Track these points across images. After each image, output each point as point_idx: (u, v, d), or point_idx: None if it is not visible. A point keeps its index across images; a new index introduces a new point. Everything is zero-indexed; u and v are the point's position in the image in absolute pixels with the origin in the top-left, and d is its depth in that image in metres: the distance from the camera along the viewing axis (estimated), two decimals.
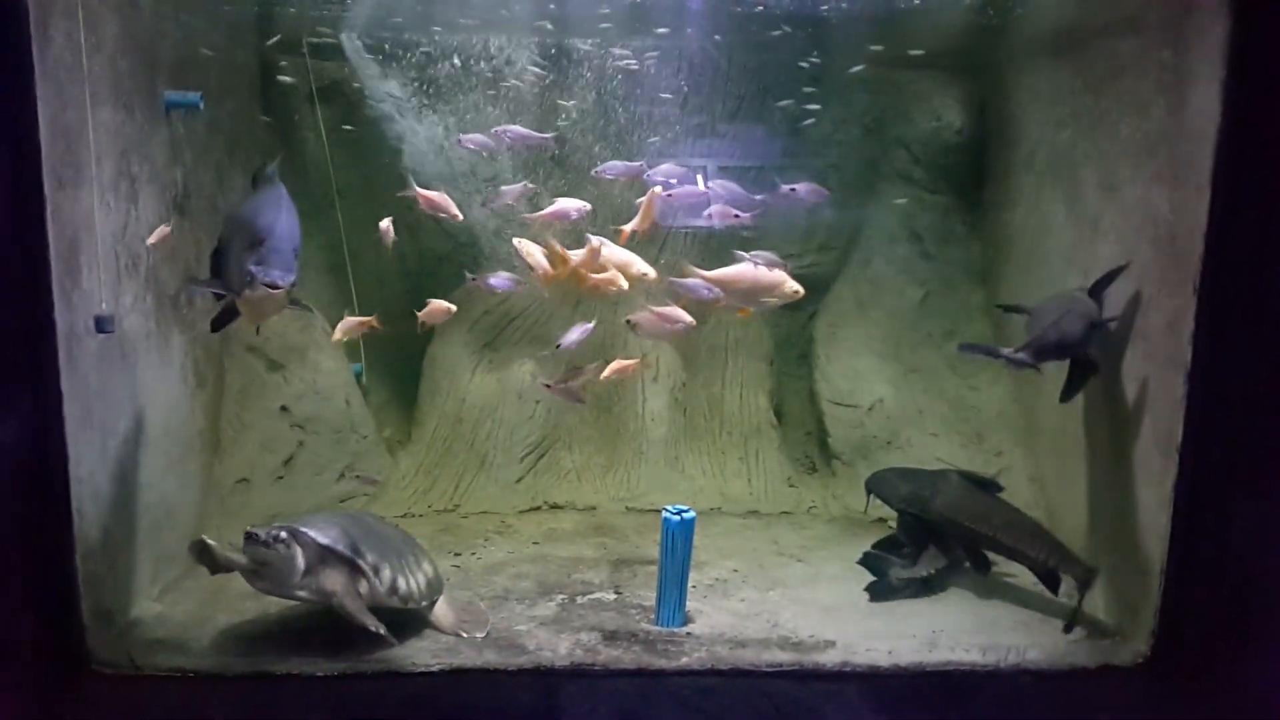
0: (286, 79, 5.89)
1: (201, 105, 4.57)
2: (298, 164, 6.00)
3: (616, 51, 5.99)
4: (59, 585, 3.75)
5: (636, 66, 6.00)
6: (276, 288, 3.50)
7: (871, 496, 5.10)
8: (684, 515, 4.26)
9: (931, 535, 4.86)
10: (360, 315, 4.87)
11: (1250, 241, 3.72)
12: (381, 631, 3.84)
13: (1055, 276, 5.17)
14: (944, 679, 4.00)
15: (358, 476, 5.59)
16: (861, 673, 4.00)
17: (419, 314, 4.94)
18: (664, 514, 4.28)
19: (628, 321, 4.59)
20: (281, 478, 5.53)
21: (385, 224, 4.79)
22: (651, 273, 4.57)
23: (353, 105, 6.05)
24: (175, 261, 4.59)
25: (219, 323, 4.14)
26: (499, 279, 4.84)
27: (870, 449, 6.23)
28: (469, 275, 4.99)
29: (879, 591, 4.76)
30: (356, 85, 6.01)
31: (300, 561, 3.77)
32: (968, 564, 4.80)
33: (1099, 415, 4.76)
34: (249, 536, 3.71)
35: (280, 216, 3.69)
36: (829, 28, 5.92)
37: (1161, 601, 4.07)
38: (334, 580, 3.85)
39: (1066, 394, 4.58)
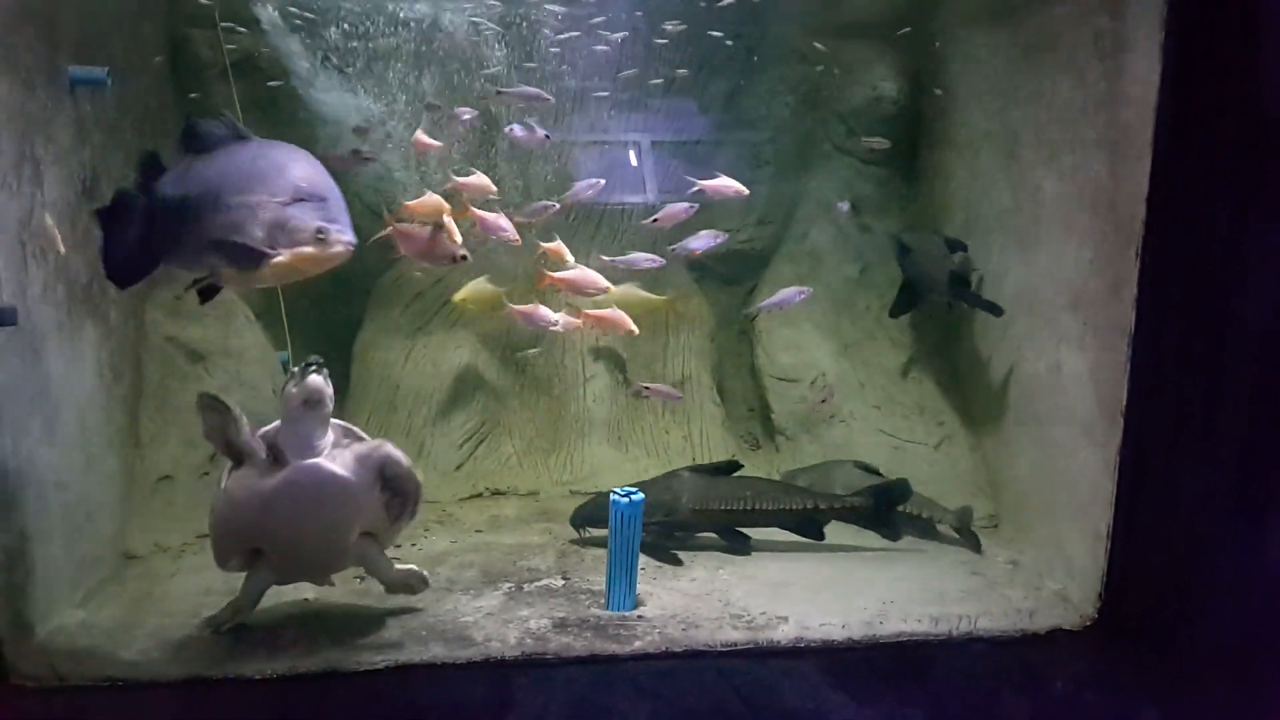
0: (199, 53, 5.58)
1: (109, 82, 4.31)
2: None
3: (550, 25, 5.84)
4: None
5: (576, 34, 5.85)
6: (353, 245, 3.35)
7: (585, 529, 5.07)
8: (632, 497, 4.18)
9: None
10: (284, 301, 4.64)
11: (1191, 206, 3.74)
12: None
13: (992, 246, 5.19)
14: (898, 650, 3.99)
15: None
16: (816, 648, 3.97)
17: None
18: (612, 496, 4.19)
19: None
20: (207, 474, 5.24)
21: None
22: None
23: (270, 79, 5.77)
24: (88, 249, 4.31)
25: (208, 292, 3.60)
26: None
27: (813, 423, 6.21)
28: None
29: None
30: (273, 58, 5.73)
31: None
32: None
33: (1039, 382, 4.80)
34: (310, 363, 3.66)
35: (324, 172, 3.44)
36: None
37: (1108, 565, 4.11)
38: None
39: (896, 310, 5.19)
